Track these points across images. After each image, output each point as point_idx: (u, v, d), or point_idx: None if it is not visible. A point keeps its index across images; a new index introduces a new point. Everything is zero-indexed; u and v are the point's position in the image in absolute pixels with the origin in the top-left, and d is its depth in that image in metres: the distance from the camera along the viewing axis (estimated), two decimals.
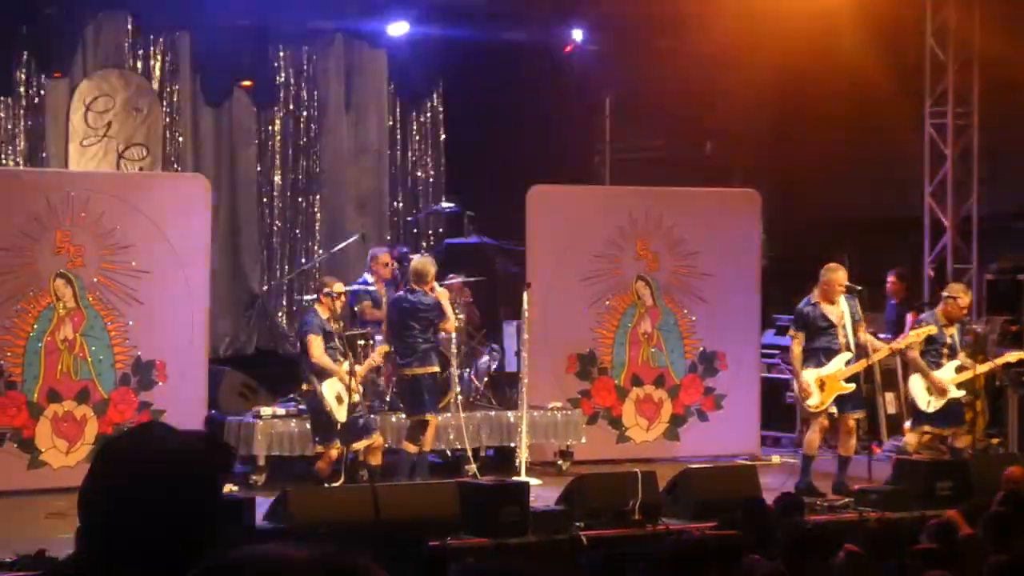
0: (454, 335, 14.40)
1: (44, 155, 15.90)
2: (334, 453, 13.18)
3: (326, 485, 12.93)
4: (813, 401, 13.66)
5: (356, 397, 13.22)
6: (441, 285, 14.05)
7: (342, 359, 13.26)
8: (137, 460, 2.88)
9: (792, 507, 11.00)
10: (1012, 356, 14.68)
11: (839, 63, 17.64)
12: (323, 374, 13.20)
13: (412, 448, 13.69)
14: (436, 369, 13.79)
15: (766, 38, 17.44)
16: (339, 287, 13.52)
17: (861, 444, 14.82)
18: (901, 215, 18.21)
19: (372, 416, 13.61)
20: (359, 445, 13.29)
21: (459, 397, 14.58)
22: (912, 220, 17.95)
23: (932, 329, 14.07)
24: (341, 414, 13.14)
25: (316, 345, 13.22)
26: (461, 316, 15.14)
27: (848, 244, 17.56)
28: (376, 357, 13.83)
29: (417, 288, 13.73)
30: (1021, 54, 17.95)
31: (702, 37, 17.59)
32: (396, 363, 13.91)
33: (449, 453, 14.72)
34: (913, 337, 14.10)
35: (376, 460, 13.41)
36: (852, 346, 13.70)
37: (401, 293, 13.97)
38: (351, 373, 13.09)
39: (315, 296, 13.90)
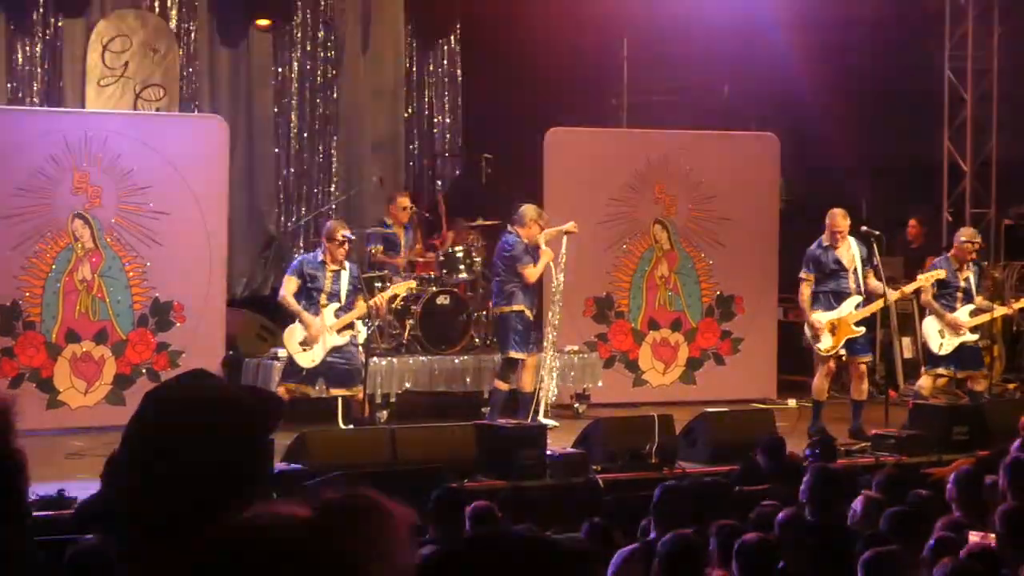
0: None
1: (61, 95, 15.86)
2: (281, 390, 12.81)
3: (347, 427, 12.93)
4: (824, 344, 13.65)
5: (340, 341, 13.05)
6: (460, 227, 14.03)
7: (328, 303, 13.02)
8: (180, 408, 2.87)
9: (826, 450, 10.91)
10: None
11: (857, 7, 17.54)
12: (291, 317, 13.10)
13: (503, 386, 13.80)
14: (521, 308, 13.77)
15: None
16: (343, 233, 13.13)
17: (878, 389, 14.81)
18: (920, 159, 18.14)
19: (358, 365, 13.27)
20: (339, 392, 13.14)
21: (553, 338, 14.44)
22: (931, 164, 17.89)
23: (941, 273, 14.03)
24: (305, 359, 12.96)
25: (285, 285, 13.12)
26: (478, 260, 15.16)
27: (866, 188, 17.51)
28: (378, 302, 13.42)
29: (511, 230, 13.79)
30: None
31: None
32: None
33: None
34: (922, 281, 14.06)
35: (359, 410, 13.17)
36: (863, 290, 13.68)
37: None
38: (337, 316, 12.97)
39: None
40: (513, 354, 13.78)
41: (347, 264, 13.24)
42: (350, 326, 13.13)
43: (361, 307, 13.16)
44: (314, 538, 2.34)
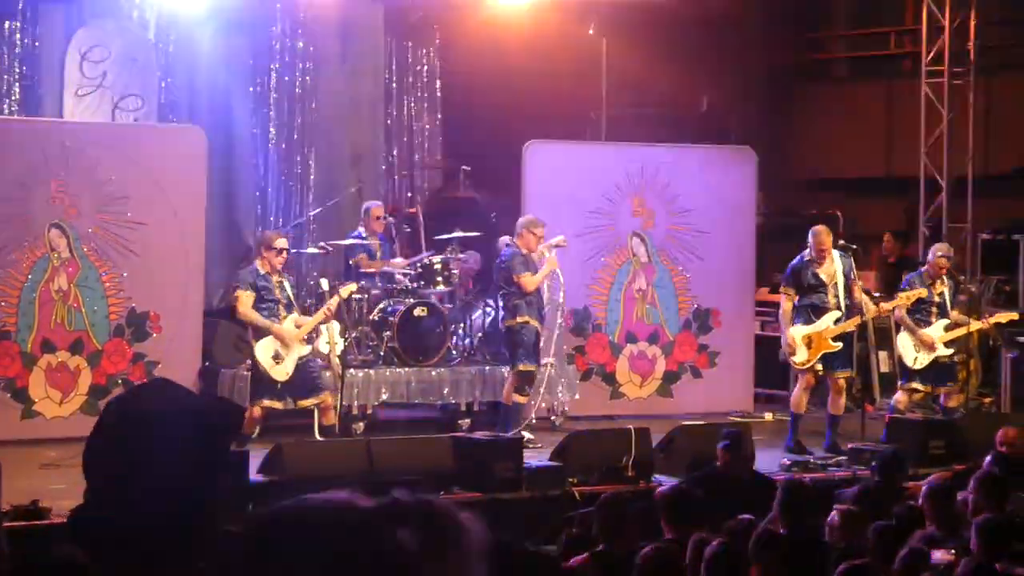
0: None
1: (39, 105, 15.82)
2: (256, 411, 12.85)
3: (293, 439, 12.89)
4: (799, 358, 13.67)
5: (306, 350, 13.00)
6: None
7: (286, 313, 13.00)
8: (143, 417, 2.87)
9: (895, 465, 10.60)
10: (1003, 316, 14.67)
11: (837, 22, 17.60)
12: (259, 332, 12.96)
13: (520, 399, 13.84)
14: (526, 319, 13.77)
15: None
16: (282, 242, 13.16)
17: (855, 403, 14.84)
18: (897, 174, 18.18)
19: (327, 373, 13.29)
20: (306, 403, 13.02)
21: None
22: (908, 179, 17.93)
23: (923, 292, 14.07)
24: (279, 373, 12.86)
25: (242, 301, 12.96)
26: (456, 271, 15.17)
27: (843, 202, 17.56)
28: (331, 306, 13.18)
29: (509, 241, 13.81)
30: (1018, 15, 17.95)
31: None
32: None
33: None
34: (903, 300, 14.08)
35: (328, 420, 13.04)
36: (843, 305, 13.69)
37: None
38: (298, 325, 12.92)
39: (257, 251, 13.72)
40: (523, 367, 13.78)
41: (284, 274, 13.21)
42: (313, 333, 13.08)
43: (319, 314, 13.12)
44: (366, 527, 2.29)
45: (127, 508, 2.60)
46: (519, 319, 13.79)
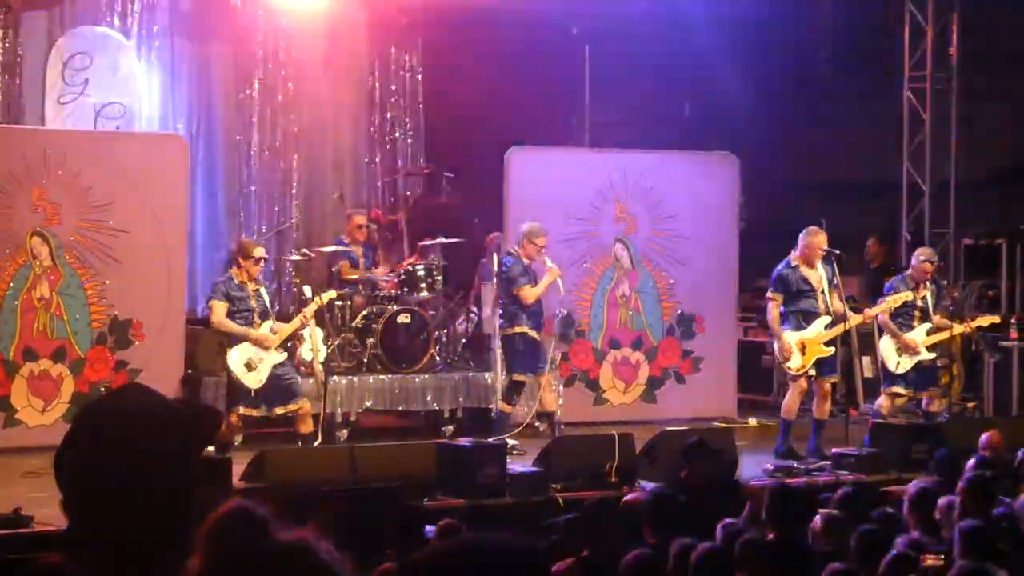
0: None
1: (21, 112, 15.78)
2: (233, 418, 12.83)
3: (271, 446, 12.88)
4: (794, 363, 13.63)
5: (282, 358, 12.92)
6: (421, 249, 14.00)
7: (260, 321, 12.93)
8: (118, 422, 2.85)
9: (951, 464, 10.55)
10: (985, 320, 14.67)
11: (817, 27, 17.61)
12: (233, 340, 12.89)
13: (506, 408, 13.87)
14: (523, 329, 13.75)
15: (742, 3, 17.41)
16: (260, 251, 13.12)
17: (838, 408, 14.85)
18: (879, 179, 18.20)
19: (302, 379, 13.26)
20: (282, 410, 12.96)
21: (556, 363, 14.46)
22: (890, 185, 17.95)
23: (908, 295, 14.07)
24: (252, 380, 12.79)
25: (215, 311, 12.91)
26: (440, 278, 15.18)
27: (827, 208, 17.56)
28: (308, 313, 13.10)
29: (511, 250, 13.80)
30: (997, 18, 17.97)
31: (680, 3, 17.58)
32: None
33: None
34: (888, 304, 14.07)
35: (306, 427, 12.98)
36: (831, 310, 13.68)
37: None
38: (273, 332, 12.85)
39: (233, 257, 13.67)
40: (516, 376, 13.78)
41: (260, 282, 13.16)
42: (289, 339, 13.02)
43: (295, 321, 13.06)
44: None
45: (103, 514, 2.58)
46: (515, 328, 13.79)
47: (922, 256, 14.32)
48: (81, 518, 2.79)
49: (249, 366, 12.79)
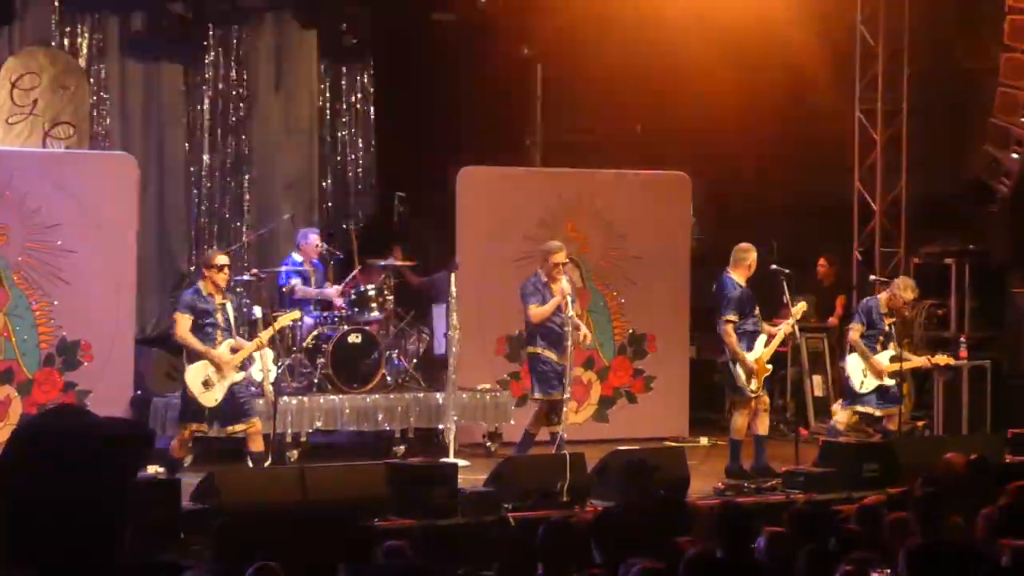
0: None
1: None
2: (186, 434, 12.76)
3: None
4: (754, 385, 13.62)
5: (237, 377, 12.78)
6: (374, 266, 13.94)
7: (223, 338, 12.79)
8: (52, 440, 2.84)
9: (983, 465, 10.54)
10: (941, 359, 14.84)
11: (771, 49, 17.67)
12: (192, 355, 12.74)
13: (531, 429, 13.82)
14: (537, 351, 13.64)
15: (697, 24, 17.46)
16: (221, 259, 12.97)
17: (788, 427, 14.89)
18: (830, 199, 18.26)
19: (256, 399, 13.19)
20: (234, 429, 12.81)
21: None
22: (841, 205, 18.01)
23: (803, 306, 14.08)
24: (208, 399, 12.66)
25: (180, 324, 12.75)
26: (390, 298, 15.16)
27: (778, 227, 17.61)
28: (264, 338, 12.98)
29: (539, 269, 13.71)
30: (948, 40, 18.08)
31: (634, 23, 17.61)
32: None
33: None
34: (794, 317, 13.88)
35: (257, 446, 12.84)
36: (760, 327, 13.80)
37: None
38: (234, 350, 12.74)
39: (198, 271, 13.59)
40: (538, 395, 13.71)
41: (228, 295, 13.06)
42: (247, 360, 12.91)
43: (254, 343, 12.94)
44: None
45: (32, 531, 2.57)
46: (529, 348, 13.75)
47: (909, 294, 14.38)
48: (10, 535, 2.77)
49: (207, 384, 12.69)
